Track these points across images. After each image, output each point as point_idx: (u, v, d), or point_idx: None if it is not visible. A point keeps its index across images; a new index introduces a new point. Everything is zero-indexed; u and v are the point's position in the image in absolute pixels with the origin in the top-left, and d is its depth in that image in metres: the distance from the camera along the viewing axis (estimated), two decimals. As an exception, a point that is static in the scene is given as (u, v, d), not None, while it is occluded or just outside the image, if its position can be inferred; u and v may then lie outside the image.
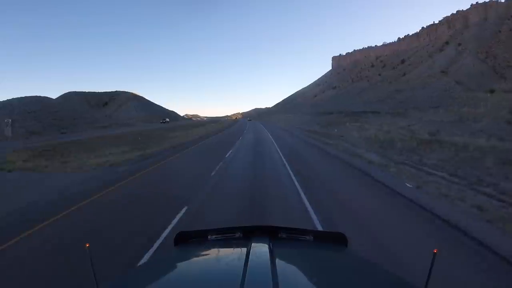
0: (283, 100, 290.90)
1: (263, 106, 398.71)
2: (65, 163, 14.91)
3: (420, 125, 25.66)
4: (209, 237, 1.39)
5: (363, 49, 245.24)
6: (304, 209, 6.32)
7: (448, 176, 9.32)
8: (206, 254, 1.32)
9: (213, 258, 1.26)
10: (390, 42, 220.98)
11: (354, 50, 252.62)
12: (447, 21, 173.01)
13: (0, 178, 11.15)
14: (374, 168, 10.77)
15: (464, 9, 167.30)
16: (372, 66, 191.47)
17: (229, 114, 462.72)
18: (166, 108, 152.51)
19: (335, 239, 1.42)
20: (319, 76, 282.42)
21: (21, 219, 6.19)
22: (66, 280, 3.68)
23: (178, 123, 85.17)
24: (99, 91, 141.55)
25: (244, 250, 1.11)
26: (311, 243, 1.38)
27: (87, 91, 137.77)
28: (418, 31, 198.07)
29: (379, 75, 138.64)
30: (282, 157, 13.71)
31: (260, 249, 1.14)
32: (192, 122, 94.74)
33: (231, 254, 1.23)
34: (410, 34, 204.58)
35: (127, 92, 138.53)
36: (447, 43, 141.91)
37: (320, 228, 5.18)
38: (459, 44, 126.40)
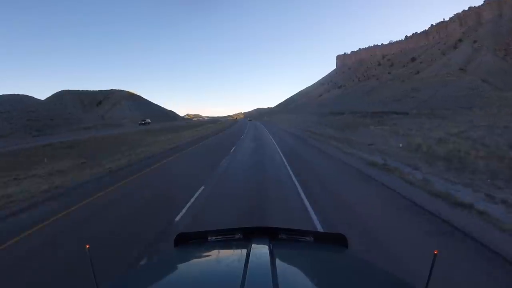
0: (285, 100, 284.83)
1: (265, 106, 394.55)
2: None
3: (481, 133, 18.68)
4: (209, 238, 1.36)
5: (369, 47, 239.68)
6: None
7: None
8: (206, 255, 1.30)
9: (213, 259, 1.24)
10: (397, 40, 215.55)
11: (360, 48, 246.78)
12: (459, 18, 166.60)
13: None
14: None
15: (477, 5, 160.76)
16: (379, 64, 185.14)
17: (231, 114, 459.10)
18: (165, 107, 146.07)
19: (335, 240, 1.38)
20: (323, 75, 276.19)
21: None
22: None
23: (176, 123, 78.63)
24: (95, 89, 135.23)
25: (244, 251, 1.09)
26: (311, 244, 1.35)
27: (81, 89, 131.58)
28: (426, 28, 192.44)
29: (389, 73, 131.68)
30: (299, 188, 7.11)
31: (260, 250, 1.13)
32: (190, 123, 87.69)
33: (231, 255, 1.21)
34: (418, 32, 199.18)
35: (122, 90, 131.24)
36: (460, 40, 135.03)
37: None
38: (475, 41, 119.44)
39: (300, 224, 5.22)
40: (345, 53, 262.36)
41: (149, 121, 66.74)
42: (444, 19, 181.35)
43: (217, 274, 1.05)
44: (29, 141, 28.64)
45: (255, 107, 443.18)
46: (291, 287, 0.91)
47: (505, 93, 54.29)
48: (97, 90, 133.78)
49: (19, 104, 56.57)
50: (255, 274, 0.90)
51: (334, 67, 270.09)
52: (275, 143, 20.08)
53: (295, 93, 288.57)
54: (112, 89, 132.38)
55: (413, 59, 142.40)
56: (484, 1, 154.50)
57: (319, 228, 5.04)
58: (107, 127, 55.40)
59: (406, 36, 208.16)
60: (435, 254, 0.99)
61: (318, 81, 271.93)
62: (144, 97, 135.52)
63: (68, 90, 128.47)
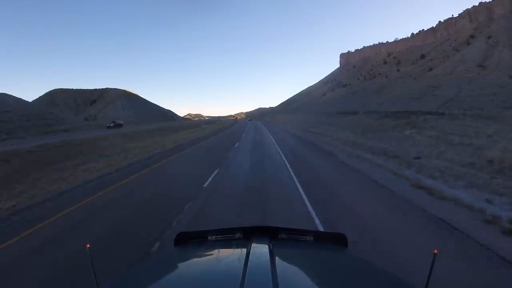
0: (287, 100, 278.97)
1: (267, 106, 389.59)
2: None
3: None
4: (209, 237, 1.36)
5: (374, 45, 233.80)
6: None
7: None
8: (206, 255, 1.30)
9: (213, 258, 1.23)
10: (402, 38, 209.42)
11: (364, 46, 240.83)
12: (469, 14, 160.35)
13: None
14: None
15: (487, 1, 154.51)
16: (385, 62, 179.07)
17: (232, 113, 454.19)
18: (163, 107, 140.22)
19: (335, 240, 1.38)
20: (326, 74, 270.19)
21: None
22: None
23: (174, 123, 72.87)
24: (90, 88, 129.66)
25: (244, 250, 1.09)
26: (311, 244, 1.35)
27: (75, 88, 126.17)
28: (434, 25, 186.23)
29: (398, 71, 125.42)
30: None
31: (260, 249, 1.12)
32: (187, 123, 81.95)
33: (231, 255, 1.21)
34: (425, 29, 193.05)
35: (117, 89, 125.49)
36: (472, 36, 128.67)
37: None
38: (489, 37, 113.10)
39: None
40: (349, 51, 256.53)
41: (122, 122, 58.22)
42: (452, 15, 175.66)
43: (217, 273, 1.05)
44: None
45: (257, 107, 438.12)
46: (291, 287, 0.90)
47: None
48: (92, 88, 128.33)
49: (-4, 103, 51.09)
50: (255, 274, 0.89)
51: (337, 65, 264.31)
52: (282, 156, 14.09)
53: (297, 93, 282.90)
54: (107, 88, 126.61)
55: (422, 56, 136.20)
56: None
57: None
58: (92, 129, 49.80)
59: (412, 33, 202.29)
60: (435, 254, 0.97)
61: (321, 80, 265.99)
62: (143, 97, 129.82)
63: (62, 88, 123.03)
